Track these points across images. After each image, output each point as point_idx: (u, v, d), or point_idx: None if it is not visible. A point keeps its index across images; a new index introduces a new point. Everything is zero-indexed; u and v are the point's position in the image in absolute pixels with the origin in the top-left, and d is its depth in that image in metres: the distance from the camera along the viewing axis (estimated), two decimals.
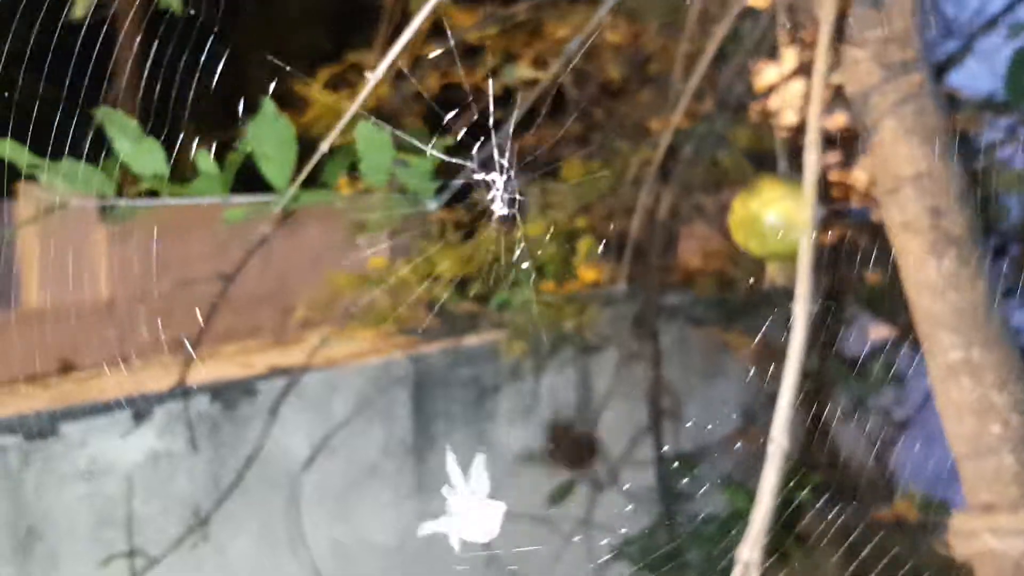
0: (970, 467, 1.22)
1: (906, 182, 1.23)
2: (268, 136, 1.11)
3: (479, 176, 0.87)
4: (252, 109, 1.30)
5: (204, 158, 1.14)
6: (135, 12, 1.42)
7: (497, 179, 0.86)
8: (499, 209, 0.88)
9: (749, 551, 0.85)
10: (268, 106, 1.13)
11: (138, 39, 1.56)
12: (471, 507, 0.91)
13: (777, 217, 1.29)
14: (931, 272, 1.22)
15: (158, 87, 1.30)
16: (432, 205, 1.24)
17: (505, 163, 0.86)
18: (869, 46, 1.27)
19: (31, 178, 1.18)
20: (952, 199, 1.23)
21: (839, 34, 1.34)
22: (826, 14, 0.93)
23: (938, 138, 1.25)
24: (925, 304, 1.23)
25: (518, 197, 0.87)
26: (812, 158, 0.84)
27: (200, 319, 1.89)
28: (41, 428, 1.69)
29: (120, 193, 1.21)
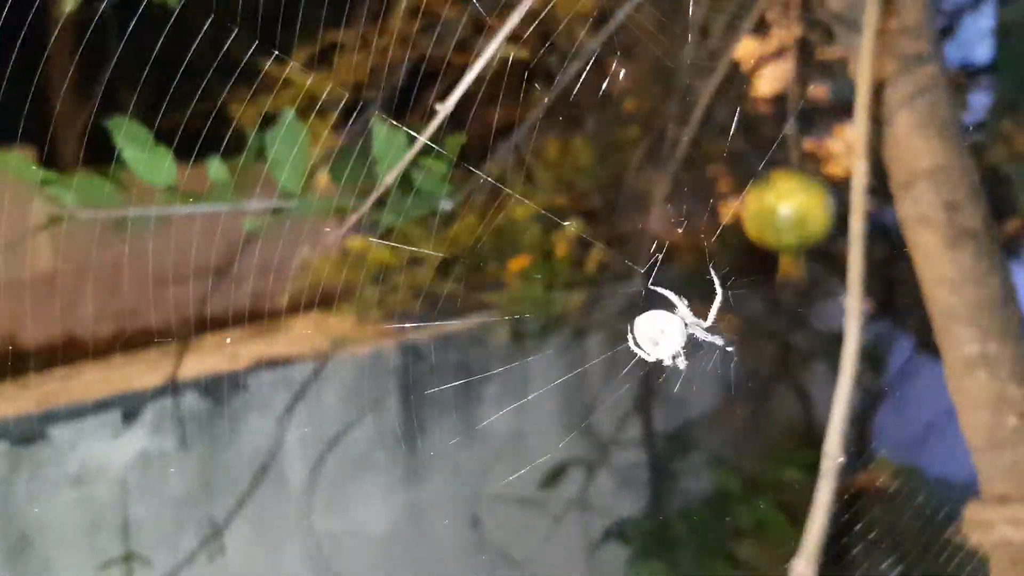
0: (985, 459, 1.23)
1: (921, 176, 1.23)
2: (286, 144, 1.07)
3: None
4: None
5: (218, 167, 1.10)
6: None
7: None
8: None
9: (804, 566, 0.84)
10: (289, 115, 1.10)
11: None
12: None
13: (792, 210, 1.28)
14: (947, 266, 1.22)
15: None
16: (447, 205, 1.22)
17: None
18: (881, 37, 1.26)
19: None
20: (967, 192, 1.23)
21: (851, 24, 1.33)
22: (869, 23, 0.91)
23: (952, 130, 1.25)
24: (941, 298, 1.23)
25: None
26: (861, 167, 0.82)
27: (185, 313, 1.85)
28: (29, 432, 1.64)
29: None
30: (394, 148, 1.12)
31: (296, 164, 1.10)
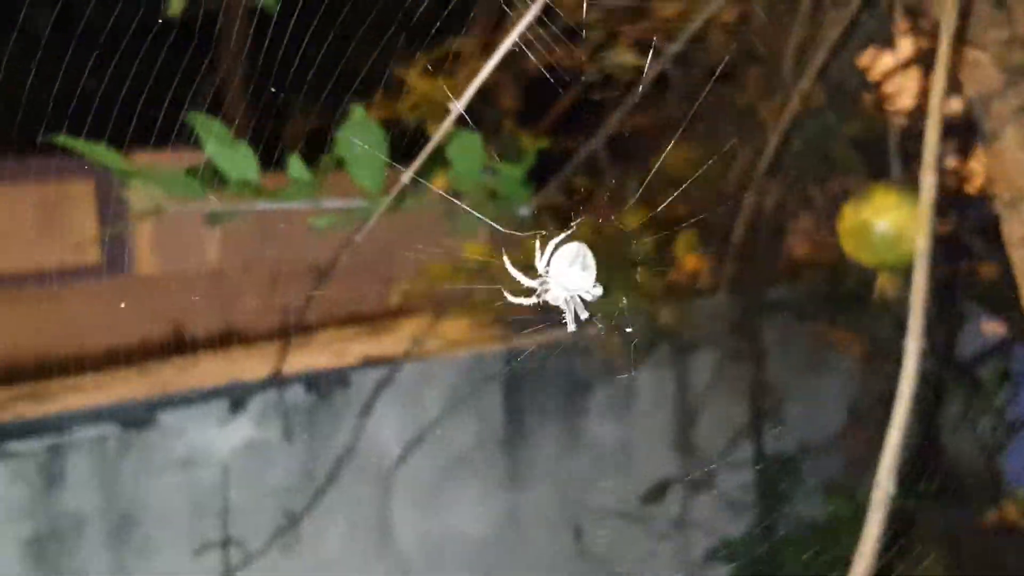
0: None
1: None
2: (361, 143, 1.09)
3: None
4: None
5: (296, 164, 1.13)
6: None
7: None
8: None
9: None
10: (358, 113, 1.11)
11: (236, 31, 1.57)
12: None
13: (889, 227, 1.22)
14: None
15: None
16: (524, 211, 1.21)
17: None
18: (991, 48, 1.19)
19: None
20: None
21: (959, 33, 1.25)
22: (947, 25, 0.86)
23: None
24: None
25: None
26: (929, 181, 0.77)
27: (295, 309, 1.90)
28: (140, 417, 1.72)
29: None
30: (471, 155, 1.13)
31: (372, 164, 1.11)
